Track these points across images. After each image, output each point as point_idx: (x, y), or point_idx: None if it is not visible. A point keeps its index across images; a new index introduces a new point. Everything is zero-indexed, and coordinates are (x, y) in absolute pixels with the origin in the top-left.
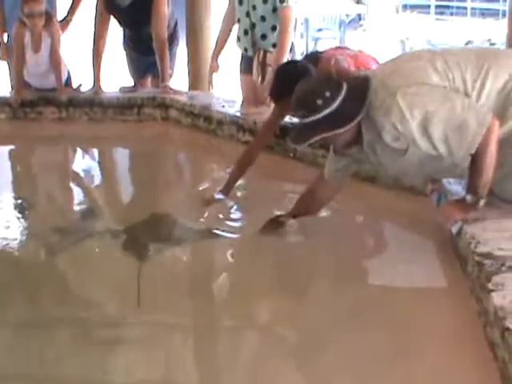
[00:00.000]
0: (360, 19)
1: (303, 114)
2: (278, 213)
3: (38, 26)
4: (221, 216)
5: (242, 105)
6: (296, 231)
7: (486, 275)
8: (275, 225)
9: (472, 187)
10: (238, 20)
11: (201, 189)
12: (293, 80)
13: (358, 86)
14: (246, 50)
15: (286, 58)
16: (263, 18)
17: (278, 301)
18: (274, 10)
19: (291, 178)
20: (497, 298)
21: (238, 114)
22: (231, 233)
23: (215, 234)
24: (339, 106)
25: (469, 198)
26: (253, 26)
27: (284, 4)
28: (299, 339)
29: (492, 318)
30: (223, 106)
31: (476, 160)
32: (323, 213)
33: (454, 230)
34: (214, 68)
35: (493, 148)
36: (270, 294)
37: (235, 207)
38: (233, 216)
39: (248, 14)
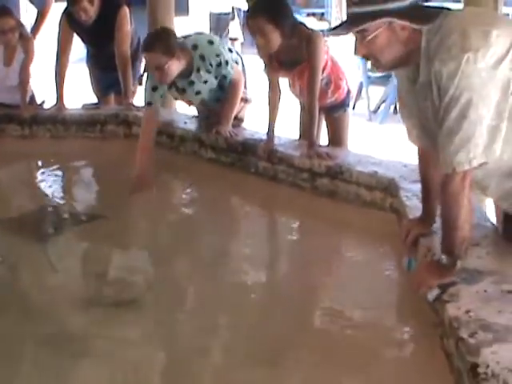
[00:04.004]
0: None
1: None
2: None
3: (11, 40)
4: None
5: (200, 121)
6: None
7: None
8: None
9: (447, 246)
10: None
11: None
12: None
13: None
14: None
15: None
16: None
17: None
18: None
19: (252, 194)
20: (451, 309)
21: (200, 131)
22: None
23: None
24: (410, 7)
25: (444, 258)
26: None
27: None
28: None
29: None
30: (185, 123)
31: (450, 212)
32: (283, 230)
33: (431, 297)
34: None
35: (467, 200)
36: None
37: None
38: None
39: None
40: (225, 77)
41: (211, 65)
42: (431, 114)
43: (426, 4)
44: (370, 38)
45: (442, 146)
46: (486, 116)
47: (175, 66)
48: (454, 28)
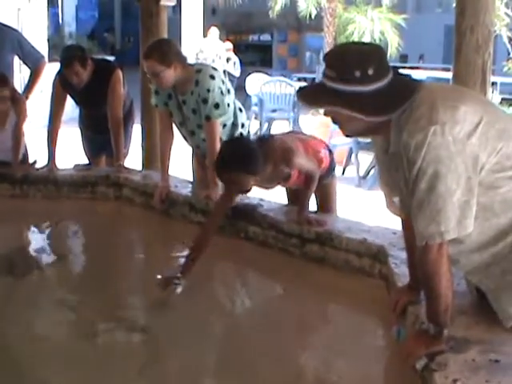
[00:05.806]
0: None
1: (332, 76)
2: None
3: (4, 107)
4: None
5: (194, 185)
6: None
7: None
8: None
9: (431, 315)
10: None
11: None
12: (236, 153)
13: (404, 83)
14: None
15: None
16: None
17: None
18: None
19: (241, 258)
20: (439, 378)
21: (191, 195)
22: None
23: None
24: (374, 93)
25: (431, 328)
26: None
27: (210, 121)
28: None
29: None
30: (176, 186)
31: (431, 282)
32: (272, 295)
33: (419, 366)
34: (164, 190)
35: (446, 268)
36: None
37: None
38: None
39: (193, 133)
40: (208, 118)
41: (199, 95)
42: (403, 184)
43: (406, 81)
44: (329, 110)
45: (414, 219)
46: (456, 190)
47: (170, 76)
48: (424, 101)
